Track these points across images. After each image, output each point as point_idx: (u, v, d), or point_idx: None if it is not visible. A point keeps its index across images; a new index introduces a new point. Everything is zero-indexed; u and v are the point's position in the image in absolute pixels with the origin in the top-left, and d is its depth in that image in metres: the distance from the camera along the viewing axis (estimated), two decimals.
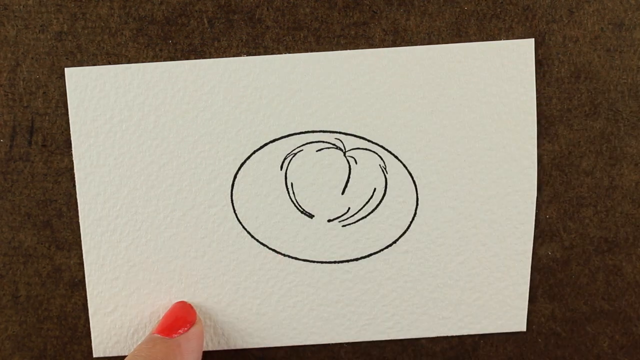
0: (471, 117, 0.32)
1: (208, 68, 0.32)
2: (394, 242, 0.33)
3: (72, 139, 0.32)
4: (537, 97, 0.32)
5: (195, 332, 0.31)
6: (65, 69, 0.31)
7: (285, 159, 0.32)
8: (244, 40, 0.32)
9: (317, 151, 0.32)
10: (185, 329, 0.31)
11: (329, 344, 0.34)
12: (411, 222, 0.33)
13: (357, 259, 0.33)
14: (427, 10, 0.32)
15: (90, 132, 0.32)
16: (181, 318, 0.31)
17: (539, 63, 0.32)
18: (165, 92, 0.32)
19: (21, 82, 0.32)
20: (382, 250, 0.33)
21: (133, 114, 0.32)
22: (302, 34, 0.32)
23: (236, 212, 0.32)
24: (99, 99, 0.31)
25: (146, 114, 0.32)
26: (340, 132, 0.32)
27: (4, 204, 0.32)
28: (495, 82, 0.32)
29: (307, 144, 0.32)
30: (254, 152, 0.32)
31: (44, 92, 0.32)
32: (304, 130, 0.32)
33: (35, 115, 0.32)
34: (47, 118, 0.32)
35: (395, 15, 0.32)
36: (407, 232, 0.33)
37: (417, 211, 0.33)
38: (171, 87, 0.32)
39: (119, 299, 0.32)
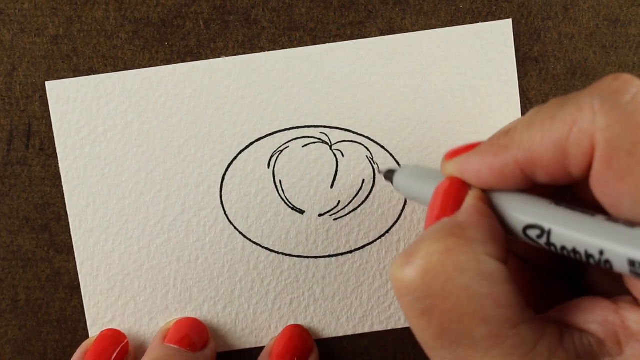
0: (454, 102, 0.32)
1: (188, 72, 0.31)
2: (387, 231, 0.33)
3: (57, 151, 0.32)
4: (533, 95, 0.32)
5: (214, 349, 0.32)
6: (46, 82, 0.31)
7: (272, 156, 0.32)
8: (240, 41, 0.32)
9: (303, 147, 0.32)
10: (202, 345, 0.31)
11: (328, 338, 0.34)
12: (402, 211, 0.33)
13: (351, 252, 0.33)
14: (422, 9, 0.32)
15: (76, 144, 0.32)
16: (196, 332, 0.32)
17: (535, 60, 0.32)
18: (147, 98, 0.32)
19: (18, 86, 0.32)
20: (375, 240, 0.33)
21: (117, 122, 0.32)
22: (298, 34, 0.32)
23: (227, 213, 0.32)
24: (81, 110, 0.31)
25: (130, 122, 0.32)
26: (325, 126, 0.32)
27: (2, 208, 0.32)
28: (475, 65, 0.32)
29: (292, 140, 0.32)
30: (240, 152, 0.32)
31: (40, 96, 0.32)
32: (288, 127, 0.32)
33: (33, 119, 0.32)
34: (44, 122, 0.32)
35: (391, 15, 0.32)
36: (399, 220, 0.33)
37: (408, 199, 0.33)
38: (152, 93, 0.31)
39: (116, 308, 0.32)
